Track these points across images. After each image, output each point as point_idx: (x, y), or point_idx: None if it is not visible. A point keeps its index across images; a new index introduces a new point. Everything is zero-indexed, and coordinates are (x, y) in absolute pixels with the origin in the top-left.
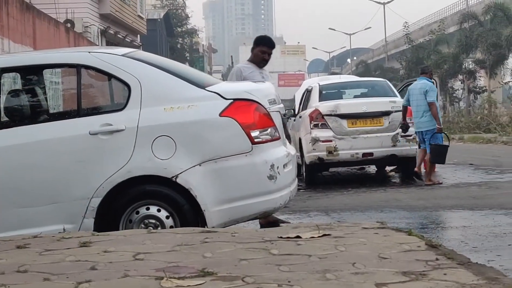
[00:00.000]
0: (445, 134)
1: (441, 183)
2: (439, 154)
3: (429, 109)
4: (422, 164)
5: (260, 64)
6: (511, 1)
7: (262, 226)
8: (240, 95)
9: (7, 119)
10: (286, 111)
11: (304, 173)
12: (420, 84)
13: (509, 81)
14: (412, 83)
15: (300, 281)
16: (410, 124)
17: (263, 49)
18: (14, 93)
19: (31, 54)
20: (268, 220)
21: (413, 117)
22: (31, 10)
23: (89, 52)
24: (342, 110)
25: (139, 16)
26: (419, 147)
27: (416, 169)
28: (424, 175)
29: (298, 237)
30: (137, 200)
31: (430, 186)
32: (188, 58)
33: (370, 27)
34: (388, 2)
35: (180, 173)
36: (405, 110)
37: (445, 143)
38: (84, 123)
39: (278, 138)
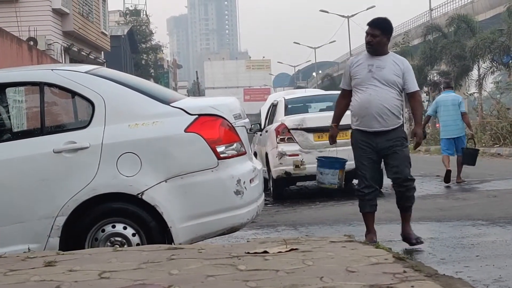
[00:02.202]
0: (473, 140)
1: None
2: (472, 157)
3: (462, 118)
4: None
5: (368, 51)
6: (474, 12)
7: (411, 244)
8: (205, 110)
9: None
10: (252, 125)
11: (271, 188)
12: (452, 96)
13: (474, 93)
14: None
15: None
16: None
17: (366, 31)
18: None
19: None
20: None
21: (441, 125)
22: None
23: (52, 69)
24: (308, 124)
25: (102, 33)
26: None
27: (457, 179)
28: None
29: (265, 252)
30: (102, 218)
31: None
32: (152, 74)
33: (334, 41)
34: (352, 16)
35: (146, 190)
36: (428, 119)
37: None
38: (48, 141)
39: (244, 153)
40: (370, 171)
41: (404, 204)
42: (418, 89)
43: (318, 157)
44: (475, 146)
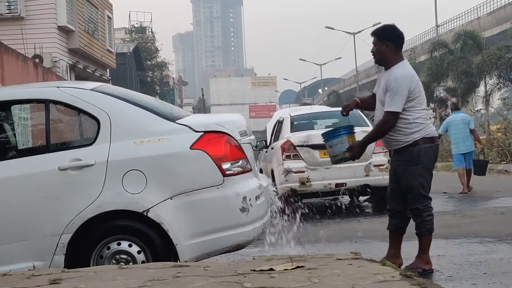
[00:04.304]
0: (483, 152)
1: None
2: (482, 168)
3: (472, 134)
4: None
5: (375, 62)
6: (481, 29)
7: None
8: (210, 128)
9: None
10: (258, 142)
11: None
12: (461, 116)
13: (481, 109)
14: None
15: None
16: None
17: None
18: None
19: None
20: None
21: (453, 143)
22: None
23: (58, 87)
24: (314, 141)
25: (108, 50)
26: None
27: (467, 190)
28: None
29: (271, 269)
30: (108, 235)
31: None
32: (158, 91)
33: (340, 57)
34: (358, 32)
35: (151, 207)
36: (438, 138)
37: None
38: (53, 159)
39: (250, 170)
40: (391, 189)
41: (416, 229)
42: (391, 110)
43: (323, 133)
44: (484, 158)
